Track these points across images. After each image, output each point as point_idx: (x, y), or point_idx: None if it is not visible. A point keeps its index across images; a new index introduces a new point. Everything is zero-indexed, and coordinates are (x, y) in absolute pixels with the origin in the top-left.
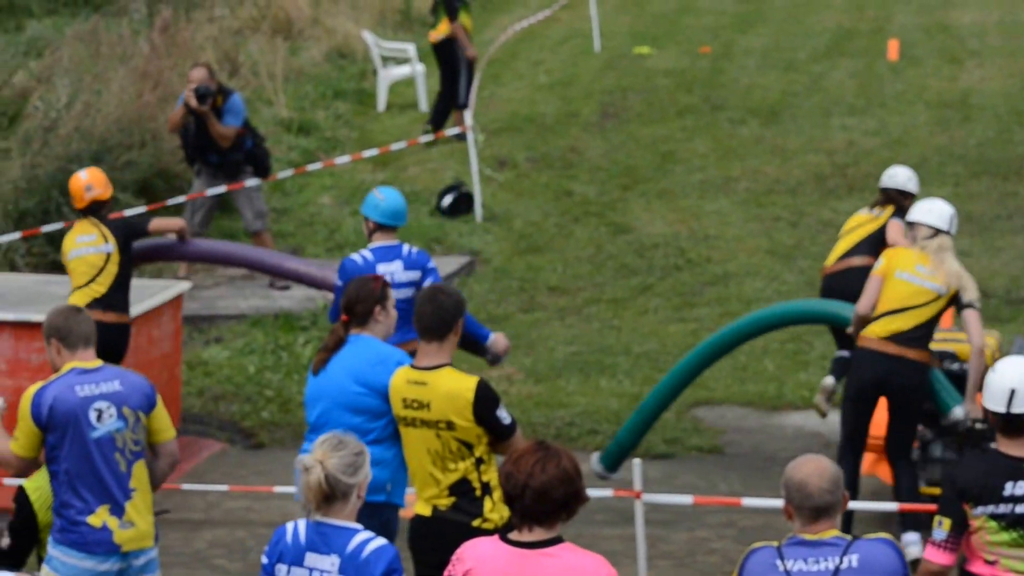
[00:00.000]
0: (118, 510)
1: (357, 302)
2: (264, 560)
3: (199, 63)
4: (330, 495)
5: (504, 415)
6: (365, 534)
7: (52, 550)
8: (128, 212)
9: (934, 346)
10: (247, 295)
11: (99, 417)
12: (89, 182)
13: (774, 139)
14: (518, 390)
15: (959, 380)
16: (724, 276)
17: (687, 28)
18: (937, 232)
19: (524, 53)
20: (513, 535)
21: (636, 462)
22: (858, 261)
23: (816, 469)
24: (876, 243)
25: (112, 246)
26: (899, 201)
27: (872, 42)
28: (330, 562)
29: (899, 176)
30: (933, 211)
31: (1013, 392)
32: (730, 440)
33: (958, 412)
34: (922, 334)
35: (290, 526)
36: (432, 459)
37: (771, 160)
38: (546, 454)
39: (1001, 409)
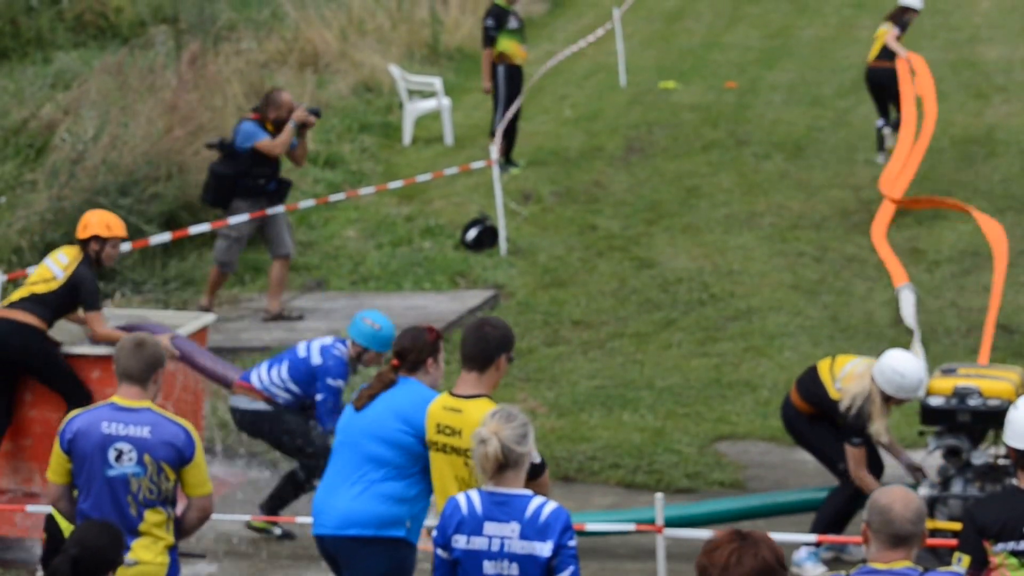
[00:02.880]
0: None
1: (411, 351)
2: (435, 535)
3: (277, 88)
4: (504, 464)
5: (536, 455)
6: (539, 499)
7: None
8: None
9: (960, 382)
10: (270, 328)
11: (118, 457)
12: (95, 222)
13: (799, 174)
14: (541, 423)
15: (982, 416)
16: (748, 311)
17: (713, 63)
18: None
19: (550, 87)
20: None
21: (659, 496)
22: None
23: (903, 497)
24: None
25: (64, 278)
26: (899, 17)
27: None
28: (511, 529)
29: None
30: (884, 371)
31: None
32: (752, 475)
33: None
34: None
35: (461, 498)
36: (459, 486)
37: (796, 195)
38: (743, 544)
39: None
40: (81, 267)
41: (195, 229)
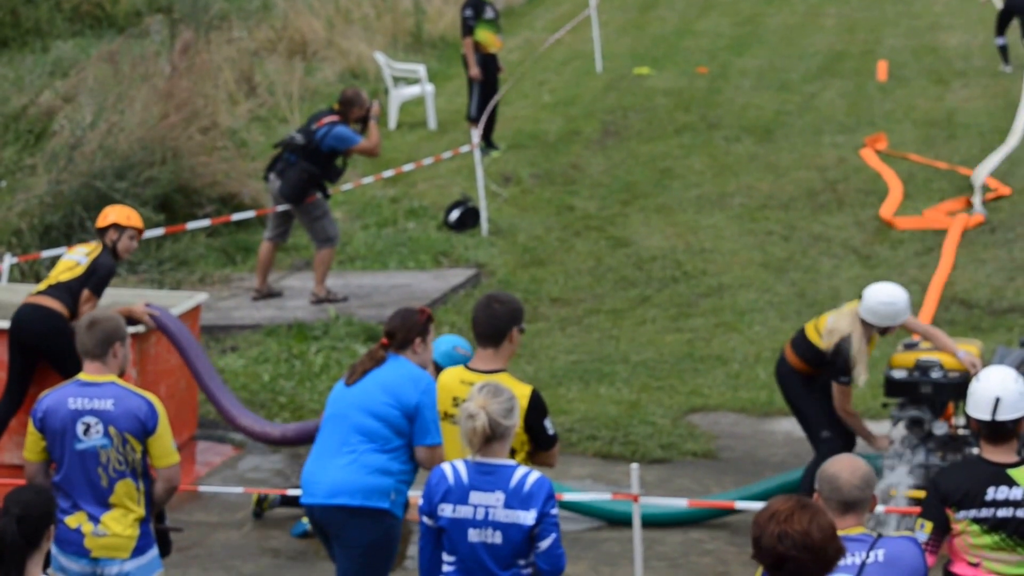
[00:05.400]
0: (94, 518)
1: (401, 330)
2: (421, 502)
3: (353, 88)
4: (491, 436)
5: (550, 426)
6: (523, 468)
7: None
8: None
9: (922, 355)
10: (260, 306)
11: (85, 431)
12: (115, 212)
13: (767, 156)
14: None
15: (943, 388)
16: (719, 288)
17: (685, 50)
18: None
19: (529, 73)
20: None
21: (634, 467)
22: None
23: (849, 466)
24: None
25: (87, 263)
26: None
27: (862, 63)
28: (495, 498)
29: None
30: (869, 299)
31: (998, 400)
32: (723, 445)
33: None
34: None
35: (447, 467)
36: None
37: (765, 176)
38: (815, 510)
39: (986, 417)
40: (103, 255)
41: (193, 224)
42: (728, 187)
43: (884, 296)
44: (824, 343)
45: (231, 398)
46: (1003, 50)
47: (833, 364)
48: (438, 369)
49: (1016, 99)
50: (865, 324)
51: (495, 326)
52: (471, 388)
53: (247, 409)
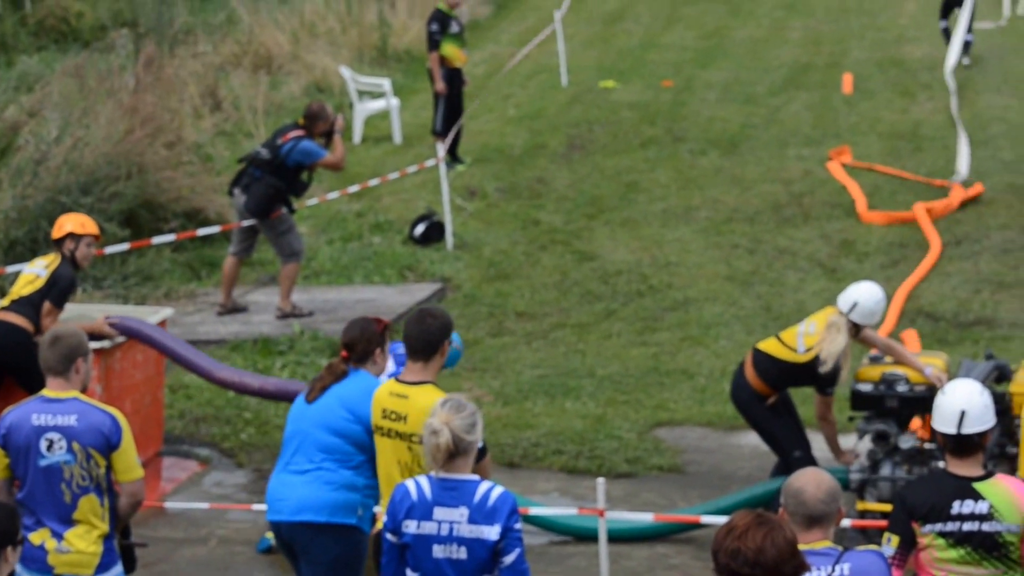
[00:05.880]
0: (57, 535)
1: (360, 342)
2: (385, 519)
3: (318, 102)
4: (455, 452)
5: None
6: (486, 483)
7: None
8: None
9: (888, 369)
10: (226, 321)
11: (49, 447)
12: (70, 220)
13: (733, 169)
14: (487, 412)
15: (909, 402)
16: (684, 302)
17: (651, 63)
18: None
19: (494, 87)
20: None
21: (600, 481)
22: None
23: (815, 479)
24: None
25: (47, 275)
26: None
27: (828, 76)
28: (459, 513)
29: None
30: (849, 295)
31: (963, 413)
32: (689, 459)
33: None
34: (765, 367)
35: (411, 484)
36: (401, 471)
37: (730, 190)
38: (772, 526)
39: (951, 430)
40: (62, 266)
41: (158, 239)
42: (693, 200)
43: (877, 294)
44: (823, 367)
45: (205, 358)
46: (945, 33)
47: (822, 376)
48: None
49: (982, 111)
50: (850, 329)
51: (428, 340)
52: (402, 400)
53: (223, 364)
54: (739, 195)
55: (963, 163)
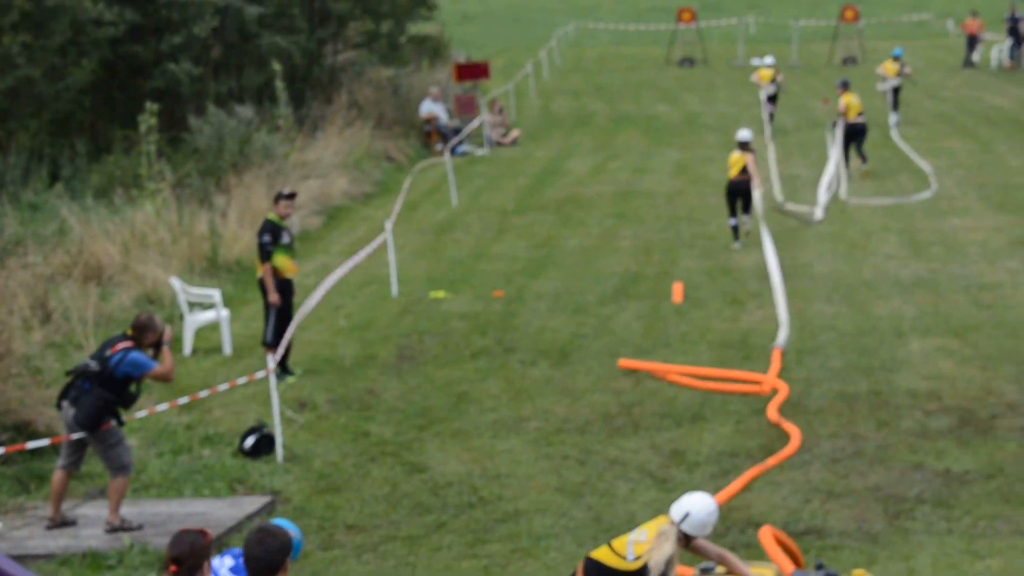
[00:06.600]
0: None
1: (190, 556)
2: None
3: (147, 313)
4: None
5: None
6: None
7: None
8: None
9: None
10: (55, 535)
11: None
12: None
13: (563, 380)
14: None
15: None
16: (515, 513)
17: (481, 273)
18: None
19: (324, 297)
20: None
21: None
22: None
23: None
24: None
25: None
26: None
27: (658, 285)
28: None
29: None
30: (682, 505)
31: None
32: None
33: None
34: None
35: None
36: None
37: (560, 400)
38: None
39: None
40: None
41: (32, 444)
42: (524, 411)
43: (710, 506)
44: (637, 567)
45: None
46: (734, 230)
47: None
48: None
49: (812, 319)
50: (681, 539)
51: (269, 561)
52: None
53: None
54: (569, 405)
55: (782, 335)
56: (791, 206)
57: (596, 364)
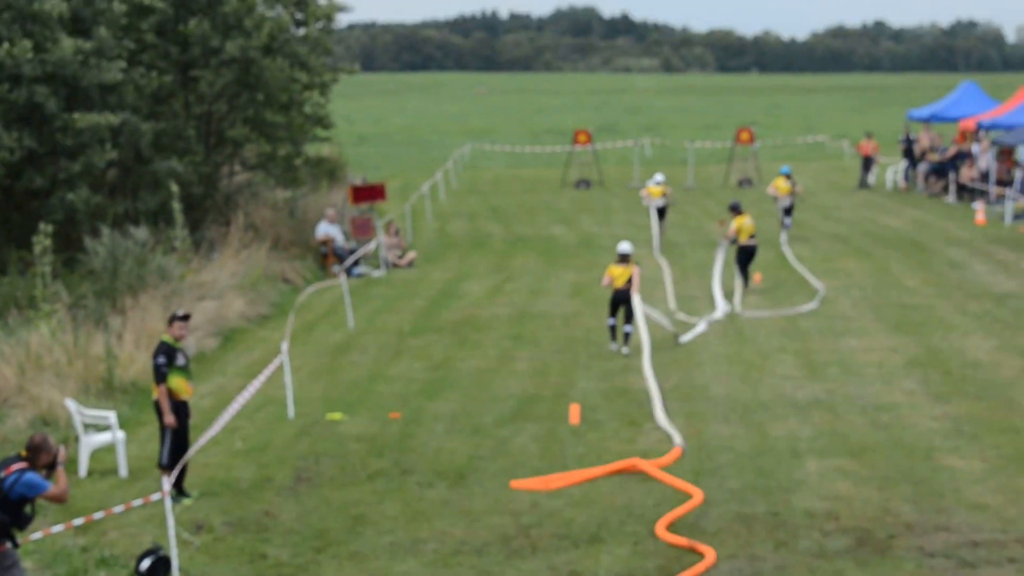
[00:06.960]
0: None
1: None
2: None
3: (41, 434)
4: None
5: None
6: None
7: None
8: None
9: None
10: None
11: None
12: None
13: (461, 501)
14: None
15: None
16: None
17: (378, 394)
18: None
19: (220, 419)
20: None
21: None
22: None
23: None
24: None
25: None
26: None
27: (555, 407)
28: None
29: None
30: None
31: None
32: None
33: None
34: None
35: None
36: None
37: (458, 522)
38: None
39: None
40: None
41: None
42: (421, 533)
43: None
44: None
45: None
46: (611, 330)
47: None
48: None
49: (709, 441)
50: None
51: None
52: None
53: None
54: (467, 527)
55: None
56: (658, 315)
57: (493, 485)
